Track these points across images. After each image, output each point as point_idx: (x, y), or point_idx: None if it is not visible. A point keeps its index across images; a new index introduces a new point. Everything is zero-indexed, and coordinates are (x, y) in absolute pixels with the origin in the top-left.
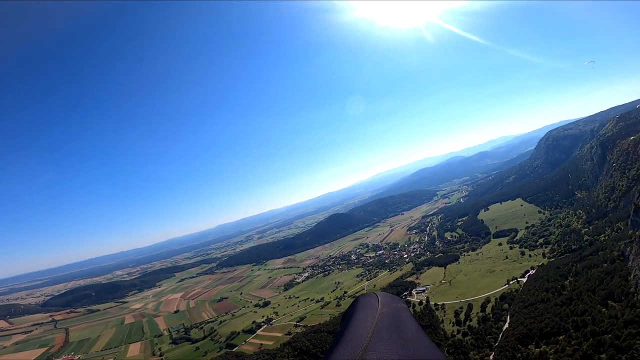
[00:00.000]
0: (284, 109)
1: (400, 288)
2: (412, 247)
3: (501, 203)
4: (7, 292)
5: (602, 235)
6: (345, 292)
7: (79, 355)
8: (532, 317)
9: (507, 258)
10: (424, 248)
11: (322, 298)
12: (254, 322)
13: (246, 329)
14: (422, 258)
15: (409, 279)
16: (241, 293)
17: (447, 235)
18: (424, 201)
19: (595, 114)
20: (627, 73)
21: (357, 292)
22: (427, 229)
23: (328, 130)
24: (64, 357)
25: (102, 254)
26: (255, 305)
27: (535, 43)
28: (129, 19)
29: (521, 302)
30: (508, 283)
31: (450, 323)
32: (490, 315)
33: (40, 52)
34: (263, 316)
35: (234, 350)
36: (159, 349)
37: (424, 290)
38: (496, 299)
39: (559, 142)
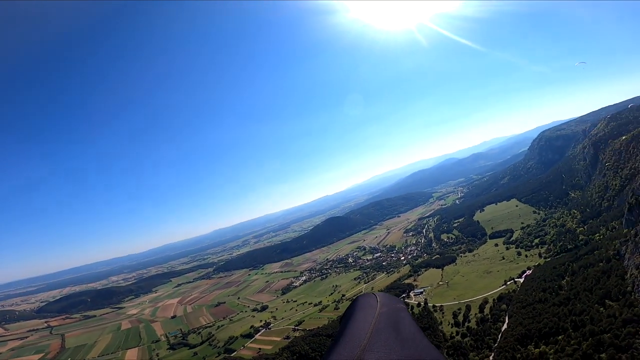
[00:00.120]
0: (279, 113)
1: (398, 290)
2: (409, 249)
3: (496, 204)
4: (2, 298)
5: (597, 234)
6: (343, 295)
7: None
8: (531, 317)
9: (503, 259)
10: (420, 250)
11: (320, 301)
12: (252, 326)
13: (244, 334)
14: (419, 260)
15: (406, 281)
16: (239, 298)
17: (444, 236)
18: (420, 203)
19: (587, 114)
20: (617, 73)
21: (355, 295)
22: (424, 230)
23: (323, 134)
24: None
25: (97, 260)
26: (253, 310)
27: (524, 46)
28: (129, 18)
29: (519, 303)
30: (505, 284)
31: (449, 324)
32: (489, 316)
33: (40, 53)
34: (261, 320)
35: (232, 355)
36: (157, 355)
37: (421, 292)
38: (494, 299)
39: (552, 142)
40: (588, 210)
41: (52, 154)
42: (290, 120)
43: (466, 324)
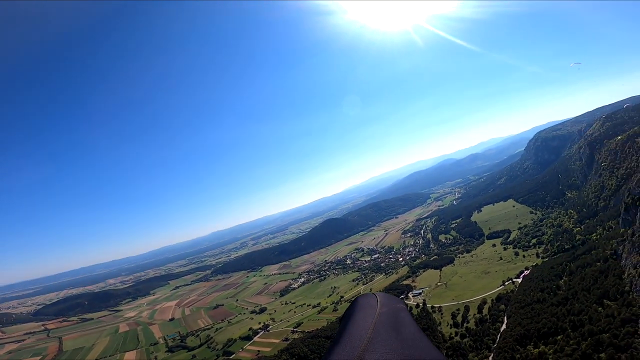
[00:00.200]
0: (276, 115)
1: (396, 291)
2: (407, 250)
3: (494, 204)
4: None
5: (594, 234)
6: (342, 297)
7: None
8: (529, 317)
9: (501, 259)
10: (419, 251)
11: (319, 303)
12: (250, 328)
13: (243, 336)
14: (418, 261)
15: (405, 282)
16: (237, 300)
17: (442, 237)
18: (417, 204)
19: (582, 114)
20: (612, 74)
21: (353, 297)
22: (422, 231)
23: (321, 135)
24: None
25: (93, 262)
26: (252, 312)
27: (519, 47)
28: (129, 18)
29: (517, 303)
30: (503, 284)
31: (447, 325)
32: (487, 316)
33: (40, 53)
34: (260, 323)
35: (231, 357)
36: (155, 358)
37: (420, 293)
38: (492, 300)
39: (548, 143)
40: (584, 210)
41: (51, 156)
42: (288, 122)
43: (465, 324)
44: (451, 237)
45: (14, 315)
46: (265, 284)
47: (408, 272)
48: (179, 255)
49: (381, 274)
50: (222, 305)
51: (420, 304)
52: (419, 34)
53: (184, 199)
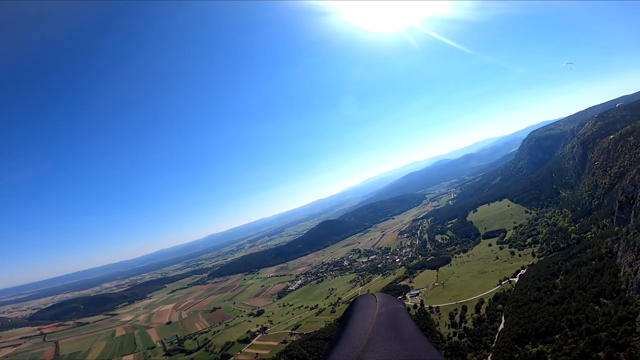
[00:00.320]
0: (271, 117)
1: (394, 292)
2: (404, 250)
3: (489, 204)
4: None
5: (589, 232)
6: (340, 298)
7: None
8: (527, 316)
9: (497, 258)
10: (415, 251)
11: (317, 305)
12: (248, 331)
13: (241, 339)
14: (415, 261)
15: (402, 283)
16: (234, 302)
17: (438, 237)
18: (413, 205)
19: (575, 114)
20: (603, 74)
21: (351, 298)
22: (418, 232)
23: (316, 137)
24: None
25: (89, 266)
26: (249, 315)
27: (512, 48)
28: (129, 18)
29: (515, 302)
30: (500, 283)
31: (445, 325)
32: (485, 316)
33: (40, 53)
34: (257, 325)
35: None
36: None
37: (417, 294)
38: (490, 299)
39: (541, 142)
40: (579, 209)
41: (45, 159)
42: (284, 124)
43: (463, 324)
44: (447, 237)
45: (9, 320)
46: (263, 286)
47: (405, 273)
48: (175, 259)
49: (378, 275)
50: (220, 308)
51: (418, 305)
52: (413, 35)
53: (178, 203)
